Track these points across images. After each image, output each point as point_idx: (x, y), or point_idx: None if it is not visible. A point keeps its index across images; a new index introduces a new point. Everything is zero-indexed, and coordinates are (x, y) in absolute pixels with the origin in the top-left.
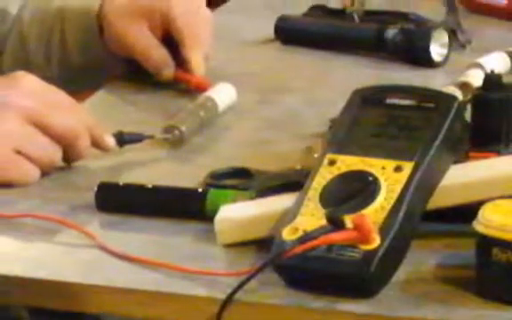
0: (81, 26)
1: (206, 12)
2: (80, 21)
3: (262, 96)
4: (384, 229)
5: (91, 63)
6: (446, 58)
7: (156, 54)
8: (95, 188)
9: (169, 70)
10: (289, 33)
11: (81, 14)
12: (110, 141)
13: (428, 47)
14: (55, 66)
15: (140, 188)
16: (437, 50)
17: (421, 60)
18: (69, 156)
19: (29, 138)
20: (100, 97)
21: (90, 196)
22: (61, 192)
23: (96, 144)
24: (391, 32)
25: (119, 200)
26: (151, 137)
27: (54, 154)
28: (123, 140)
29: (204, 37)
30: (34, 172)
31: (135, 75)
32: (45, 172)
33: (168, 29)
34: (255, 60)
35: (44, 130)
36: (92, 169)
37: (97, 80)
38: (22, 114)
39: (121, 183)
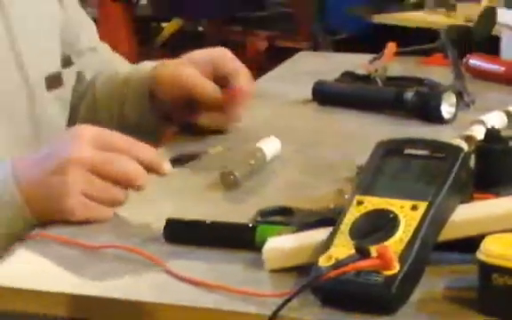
0: (137, 93)
1: None
2: (137, 90)
3: (302, 147)
4: (403, 258)
5: (143, 126)
6: (454, 115)
7: (211, 87)
8: (164, 224)
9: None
10: (324, 95)
11: (138, 84)
12: (168, 167)
13: (439, 107)
14: (115, 124)
15: (201, 224)
16: (447, 109)
17: (433, 117)
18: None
19: (92, 185)
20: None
21: (158, 230)
22: (132, 227)
23: (156, 172)
24: (408, 94)
25: (184, 233)
26: (205, 152)
27: (117, 194)
28: (182, 159)
29: None
30: (105, 211)
31: (188, 133)
32: (116, 208)
33: (218, 75)
34: (296, 117)
35: (104, 177)
36: (158, 206)
37: (150, 139)
38: (84, 165)
39: (185, 219)
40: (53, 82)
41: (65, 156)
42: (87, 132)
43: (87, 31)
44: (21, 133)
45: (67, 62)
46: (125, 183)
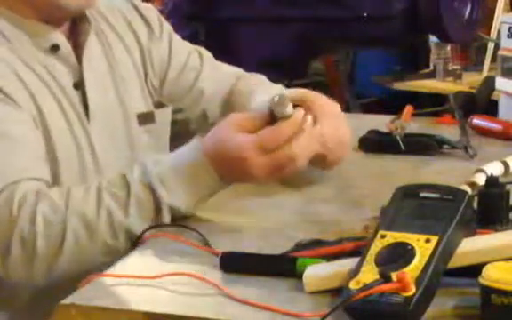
0: None
1: None
2: None
3: (338, 190)
4: (418, 282)
5: None
6: None
7: None
8: (220, 256)
9: None
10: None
11: None
12: None
13: None
14: None
15: (252, 255)
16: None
17: None
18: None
19: (271, 173)
20: None
21: (215, 261)
22: (195, 258)
23: None
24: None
25: (237, 263)
26: None
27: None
28: None
29: None
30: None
31: None
32: None
33: None
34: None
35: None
36: (216, 242)
37: None
38: (262, 175)
39: (238, 252)
40: (145, 119)
41: (246, 174)
42: (250, 152)
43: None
44: (122, 153)
45: (158, 105)
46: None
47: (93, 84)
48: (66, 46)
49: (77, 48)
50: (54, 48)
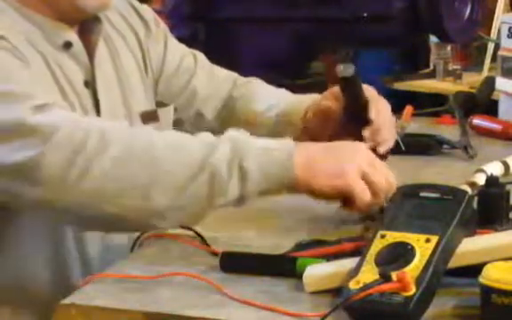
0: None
1: None
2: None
3: None
4: (418, 282)
5: None
6: None
7: None
8: (220, 256)
9: None
10: None
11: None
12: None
13: None
14: None
15: (252, 255)
16: None
17: None
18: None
19: (365, 191)
20: None
21: (215, 261)
22: (195, 258)
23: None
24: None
25: (237, 263)
26: None
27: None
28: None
29: None
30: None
31: None
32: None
33: None
34: None
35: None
36: (216, 242)
37: None
38: (363, 174)
39: (237, 252)
40: (148, 117)
41: (351, 164)
42: (365, 151)
43: (199, 75)
44: None
45: (160, 104)
46: (386, 191)
47: (103, 83)
48: (78, 44)
49: (87, 47)
50: (67, 45)
